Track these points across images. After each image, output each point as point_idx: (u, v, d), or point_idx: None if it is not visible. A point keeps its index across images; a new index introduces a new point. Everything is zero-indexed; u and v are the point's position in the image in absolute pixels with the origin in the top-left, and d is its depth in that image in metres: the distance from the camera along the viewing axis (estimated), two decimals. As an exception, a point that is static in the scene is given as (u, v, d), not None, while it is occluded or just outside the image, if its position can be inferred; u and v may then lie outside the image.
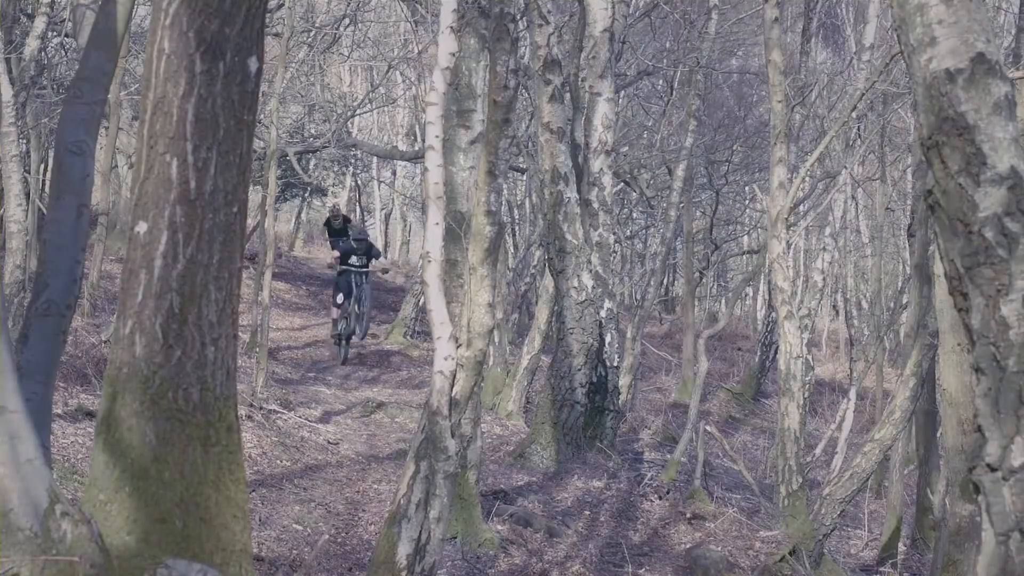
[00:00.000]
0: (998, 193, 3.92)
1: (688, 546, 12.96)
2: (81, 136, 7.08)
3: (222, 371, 6.17)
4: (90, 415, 12.08)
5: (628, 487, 15.09)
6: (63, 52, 25.38)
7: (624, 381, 20.57)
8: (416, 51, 28.21)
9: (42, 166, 22.79)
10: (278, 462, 13.42)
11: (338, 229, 28.12)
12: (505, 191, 14.36)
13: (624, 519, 13.73)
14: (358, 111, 34.29)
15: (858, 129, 22.54)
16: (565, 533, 12.46)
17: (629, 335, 22.89)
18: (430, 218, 7.13)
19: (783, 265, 15.81)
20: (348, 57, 34.07)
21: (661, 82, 30.99)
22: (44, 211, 12.28)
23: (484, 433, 13.82)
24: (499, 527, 12.04)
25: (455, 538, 11.00)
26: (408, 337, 28.66)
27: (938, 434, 14.66)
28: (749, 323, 44.16)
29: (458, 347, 7.34)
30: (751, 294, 45.69)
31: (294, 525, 11.02)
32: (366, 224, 24.58)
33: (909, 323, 14.90)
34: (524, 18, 16.73)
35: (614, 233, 20.26)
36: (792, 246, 31.36)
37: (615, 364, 17.61)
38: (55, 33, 22.03)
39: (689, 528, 13.86)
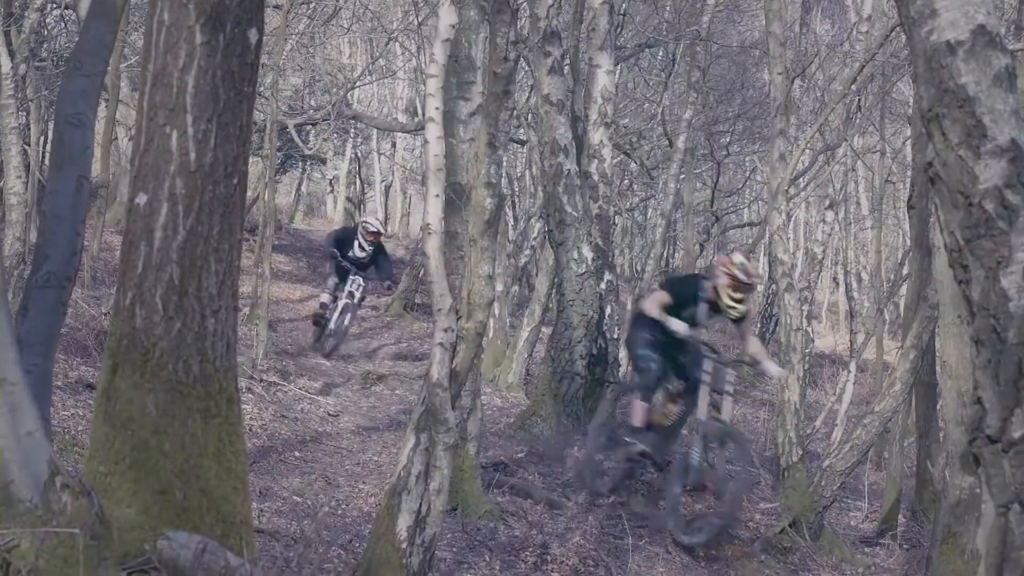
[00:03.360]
0: (998, 165, 3.92)
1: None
2: (81, 108, 7.07)
3: (222, 343, 6.18)
4: (90, 387, 12.10)
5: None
6: (63, 24, 25.36)
7: (624, 353, 20.58)
8: (416, 23, 28.11)
9: (42, 138, 22.78)
10: (278, 434, 13.44)
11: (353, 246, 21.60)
12: (505, 163, 14.34)
13: (624, 491, 13.74)
14: (358, 83, 34.24)
15: (858, 101, 22.49)
16: (565, 505, 12.48)
17: (629, 307, 22.88)
18: (430, 190, 7.13)
19: (783, 237, 15.82)
20: (348, 29, 33.99)
21: (661, 54, 30.90)
22: (44, 183, 12.29)
23: (484, 405, 13.82)
24: (499, 499, 12.06)
25: (455, 510, 11.02)
26: (408, 309, 28.68)
27: (938, 406, 14.65)
28: (749, 295, 44.05)
29: (458, 319, 7.34)
30: (751, 266, 45.59)
31: (294, 497, 11.03)
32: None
33: (909, 295, 14.88)
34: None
35: (614, 205, 20.25)
36: (792, 218, 31.39)
37: (615, 336, 17.61)
38: (55, 5, 22.00)
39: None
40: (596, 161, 17.13)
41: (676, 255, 45.06)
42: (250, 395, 14.18)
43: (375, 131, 45.03)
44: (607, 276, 17.10)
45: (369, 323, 26.78)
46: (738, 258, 11.91)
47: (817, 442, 19.50)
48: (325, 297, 21.28)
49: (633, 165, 30.49)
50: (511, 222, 29.24)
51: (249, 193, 13.01)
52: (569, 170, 16.49)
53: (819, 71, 27.68)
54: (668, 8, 26.97)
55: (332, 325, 20.81)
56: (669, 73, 28.33)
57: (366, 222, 21.72)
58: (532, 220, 27.82)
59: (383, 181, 51.54)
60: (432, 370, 7.15)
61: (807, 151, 19.91)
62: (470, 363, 7.61)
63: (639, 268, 33.94)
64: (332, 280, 21.24)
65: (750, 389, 27.72)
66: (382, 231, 21.59)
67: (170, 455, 5.95)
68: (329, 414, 15.25)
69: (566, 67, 17.37)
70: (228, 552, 5.88)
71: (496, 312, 21.08)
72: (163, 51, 6.00)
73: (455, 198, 9.38)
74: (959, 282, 4.10)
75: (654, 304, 12.27)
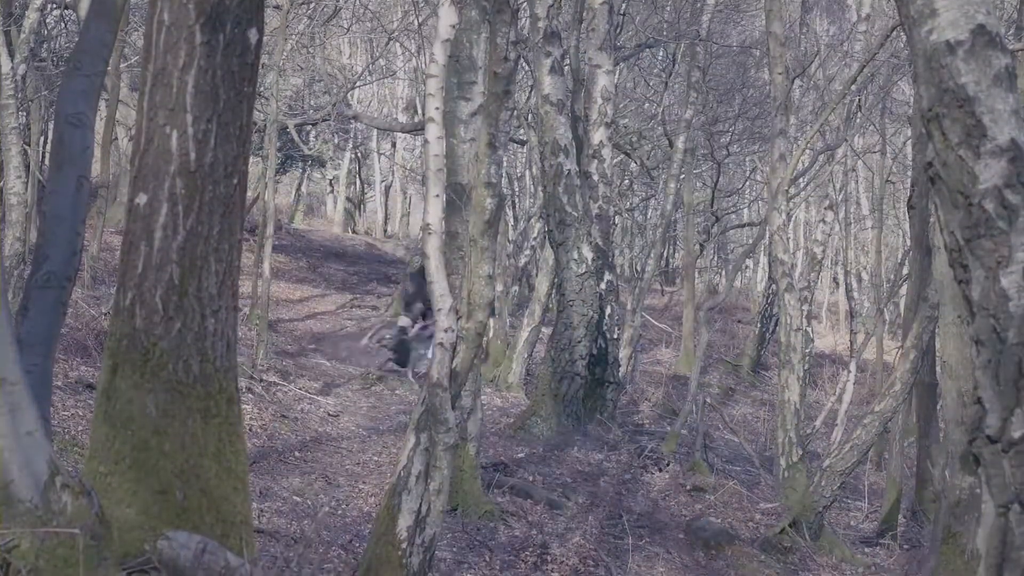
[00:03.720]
0: (998, 165, 3.91)
1: (688, 518, 12.99)
2: (81, 108, 7.06)
3: (222, 343, 6.18)
4: (90, 387, 12.10)
5: (628, 459, 15.12)
6: (63, 24, 25.35)
7: (624, 353, 20.59)
8: (416, 23, 28.10)
9: (42, 138, 22.78)
10: (278, 434, 13.44)
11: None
12: (505, 163, 14.32)
13: (624, 491, 13.76)
14: (358, 83, 34.23)
15: (858, 101, 22.50)
16: (565, 505, 12.49)
17: (629, 307, 22.91)
18: (430, 190, 7.12)
19: (783, 237, 15.83)
20: (348, 29, 33.98)
21: (661, 54, 30.92)
22: (44, 183, 12.30)
23: (484, 405, 13.83)
24: (499, 499, 12.06)
25: (455, 510, 11.02)
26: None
27: (938, 406, 14.66)
28: (749, 295, 44.17)
29: (459, 319, 7.34)
30: (751, 266, 45.69)
31: (294, 497, 11.03)
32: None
33: (909, 295, 14.90)
34: (524, -10, 16.73)
35: (614, 205, 20.25)
36: (792, 218, 31.39)
37: (615, 336, 17.63)
38: (55, 5, 21.99)
39: (689, 500, 13.89)
40: (596, 161, 17.15)
41: (676, 255, 45.11)
42: (250, 395, 14.18)
43: (375, 131, 45.05)
44: (607, 276, 17.12)
45: (369, 323, 26.77)
46: None
47: (817, 442, 19.51)
48: (405, 321, 19.96)
49: (633, 165, 30.50)
50: (511, 222, 29.25)
51: (249, 193, 13.01)
52: (569, 170, 16.51)
53: (819, 71, 27.69)
54: (668, 8, 26.97)
55: (428, 352, 18.95)
56: (669, 73, 28.33)
57: None
58: (532, 220, 27.83)
59: (383, 181, 51.58)
60: (432, 370, 7.15)
61: (807, 151, 19.91)
62: (470, 363, 7.60)
63: (639, 268, 33.95)
64: (419, 307, 19.58)
65: (750, 389, 27.76)
66: None
67: (170, 455, 5.95)
68: (329, 414, 15.25)
69: (566, 67, 17.38)
70: (228, 552, 5.87)
71: (496, 312, 21.07)
72: (163, 51, 6.00)
73: (456, 198, 9.38)
74: (959, 282, 4.09)
75: None
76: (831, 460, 13.45)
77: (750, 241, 31.28)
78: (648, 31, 26.51)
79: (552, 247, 17.82)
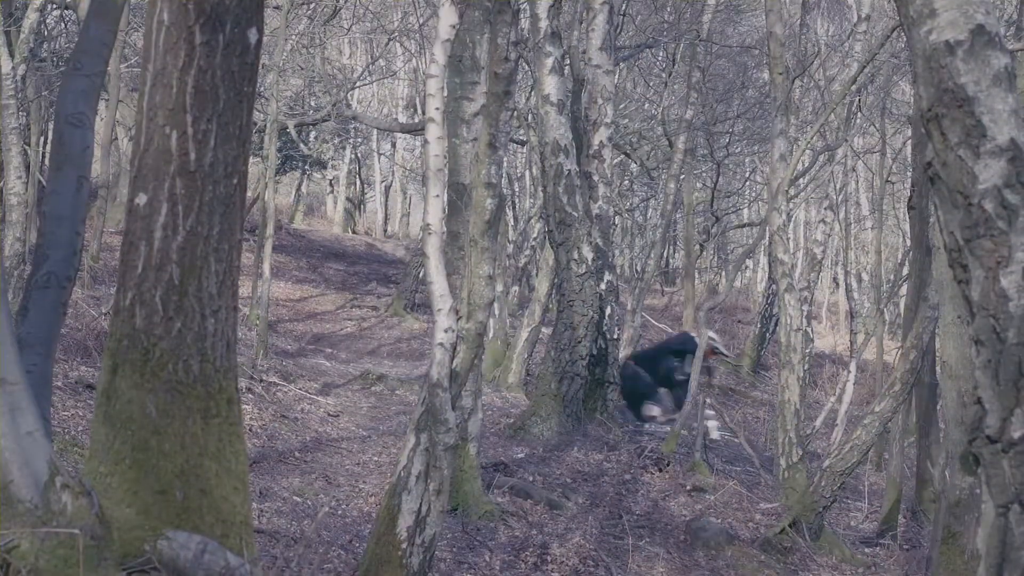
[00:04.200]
0: (998, 165, 3.91)
1: (688, 518, 12.98)
2: (81, 108, 7.07)
3: (222, 343, 6.17)
4: (90, 387, 12.11)
5: (628, 459, 15.11)
6: (63, 24, 25.37)
7: (624, 353, 20.57)
8: (417, 24, 28.12)
9: (42, 138, 22.79)
10: (278, 434, 13.44)
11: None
12: (505, 163, 14.34)
13: (624, 491, 13.75)
14: (358, 83, 34.24)
15: (858, 102, 22.49)
16: (565, 505, 12.48)
17: (629, 307, 22.92)
18: (430, 190, 7.12)
19: (783, 238, 15.81)
20: (348, 30, 34.00)
21: (662, 54, 30.93)
22: (44, 183, 12.31)
23: (484, 405, 13.81)
24: (499, 499, 12.06)
25: (455, 510, 11.02)
26: (408, 310, 28.68)
27: (938, 406, 14.64)
28: (749, 295, 44.15)
29: (458, 319, 7.34)
30: (751, 266, 45.68)
31: (294, 497, 11.04)
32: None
33: (909, 295, 14.88)
34: (524, -10, 16.72)
35: (614, 205, 20.24)
36: (792, 218, 31.37)
37: (615, 336, 17.62)
38: (55, 5, 22.00)
39: (689, 500, 13.88)
40: (596, 161, 17.15)
41: (676, 255, 45.11)
42: (250, 395, 14.19)
43: (375, 131, 45.09)
44: (607, 276, 17.12)
45: (369, 323, 26.78)
46: None
47: (817, 442, 19.48)
48: (654, 410, 19.11)
49: (633, 165, 30.51)
50: (511, 222, 29.25)
51: (249, 193, 13.01)
52: (569, 170, 16.50)
53: (820, 70, 27.68)
54: (668, 8, 26.98)
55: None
56: (669, 73, 28.34)
57: (716, 341, 19.53)
58: (532, 220, 27.84)
59: (383, 181, 51.60)
60: (432, 370, 7.15)
61: (807, 151, 19.90)
62: (470, 363, 7.61)
63: (639, 268, 33.94)
64: (660, 393, 19.11)
65: (750, 389, 27.74)
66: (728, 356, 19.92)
67: (170, 455, 5.95)
68: (329, 414, 15.26)
69: (566, 67, 17.37)
70: (228, 552, 5.87)
71: (496, 312, 21.08)
72: (163, 51, 6.00)
73: (456, 198, 9.39)
74: (959, 282, 4.09)
75: None
76: (831, 460, 13.43)
77: (750, 241, 31.28)
78: (648, 31, 26.52)
79: (552, 247, 17.81)
